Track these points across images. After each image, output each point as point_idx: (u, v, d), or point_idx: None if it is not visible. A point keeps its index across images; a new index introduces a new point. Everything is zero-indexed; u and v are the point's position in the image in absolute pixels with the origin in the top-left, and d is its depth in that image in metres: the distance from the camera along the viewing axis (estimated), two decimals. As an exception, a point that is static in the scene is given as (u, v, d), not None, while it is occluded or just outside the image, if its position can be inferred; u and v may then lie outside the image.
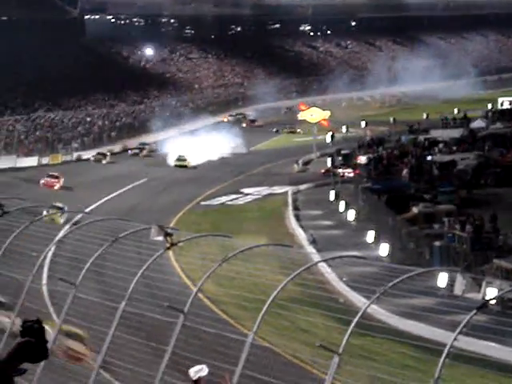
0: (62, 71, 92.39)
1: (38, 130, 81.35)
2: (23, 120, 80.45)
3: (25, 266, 23.51)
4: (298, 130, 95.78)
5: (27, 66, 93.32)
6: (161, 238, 20.79)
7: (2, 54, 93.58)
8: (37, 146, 78.17)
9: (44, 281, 26.57)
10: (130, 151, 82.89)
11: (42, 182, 58.33)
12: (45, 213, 29.84)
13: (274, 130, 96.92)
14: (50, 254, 24.94)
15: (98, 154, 78.77)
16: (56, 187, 48.34)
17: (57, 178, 58.68)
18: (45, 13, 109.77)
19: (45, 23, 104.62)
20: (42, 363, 20.65)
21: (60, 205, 49.02)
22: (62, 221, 38.23)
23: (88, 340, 23.16)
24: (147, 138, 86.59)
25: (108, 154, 78.86)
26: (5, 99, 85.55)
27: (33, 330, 5.03)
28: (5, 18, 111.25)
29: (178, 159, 74.81)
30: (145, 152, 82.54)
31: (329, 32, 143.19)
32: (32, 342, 4.78)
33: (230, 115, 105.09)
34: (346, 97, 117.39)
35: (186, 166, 73.66)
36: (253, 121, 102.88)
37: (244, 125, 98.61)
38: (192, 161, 75.17)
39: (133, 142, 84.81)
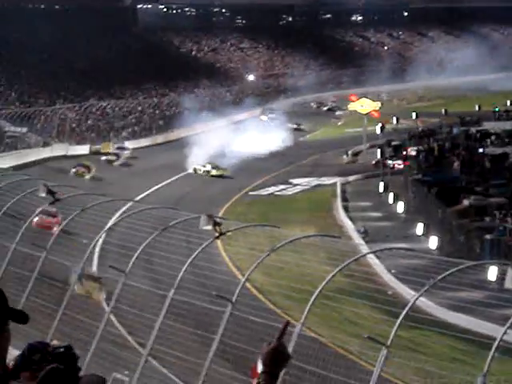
0: (114, 60, 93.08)
1: (89, 118, 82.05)
2: (75, 108, 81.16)
3: (76, 253, 23.79)
4: (302, 127, 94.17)
5: (79, 55, 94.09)
6: (210, 228, 20.89)
7: (54, 43, 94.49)
8: (89, 135, 78.85)
9: (94, 268, 26.86)
10: (103, 157, 70.20)
11: (35, 220, 33.40)
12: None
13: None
14: (100, 242, 25.22)
15: (81, 165, 64.56)
16: (54, 229, 28.00)
17: (54, 216, 38.58)
18: (97, 2, 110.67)
19: (97, 12, 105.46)
20: (92, 350, 20.89)
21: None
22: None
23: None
24: (196, 128, 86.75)
25: (93, 168, 64.27)
26: (57, 87, 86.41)
27: (63, 356, 4.97)
28: (58, 7, 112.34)
29: (214, 167, 65.27)
30: (121, 160, 69.76)
31: (381, 22, 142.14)
32: (61, 369, 4.66)
33: (269, 112, 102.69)
34: (397, 88, 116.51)
35: (222, 176, 65.28)
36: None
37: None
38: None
39: (180, 132, 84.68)
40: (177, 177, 64.30)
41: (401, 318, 17.44)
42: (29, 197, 26.52)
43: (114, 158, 69.60)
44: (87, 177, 62.60)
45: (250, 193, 60.33)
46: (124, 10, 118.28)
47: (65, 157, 71.13)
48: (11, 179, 29.33)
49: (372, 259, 33.31)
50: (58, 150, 72.04)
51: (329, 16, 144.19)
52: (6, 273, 24.53)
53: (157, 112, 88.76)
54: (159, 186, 60.35)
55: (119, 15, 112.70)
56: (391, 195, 53.56)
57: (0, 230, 25.99)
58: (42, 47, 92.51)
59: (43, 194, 25.12)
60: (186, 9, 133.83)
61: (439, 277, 17.72)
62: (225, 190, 59.08)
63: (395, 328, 17.32)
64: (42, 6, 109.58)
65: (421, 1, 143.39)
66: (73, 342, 21.20)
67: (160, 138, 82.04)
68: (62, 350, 5.06)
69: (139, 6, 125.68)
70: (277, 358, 4.15)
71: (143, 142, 79.53)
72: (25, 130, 69.94)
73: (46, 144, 71.56)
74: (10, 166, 46.35)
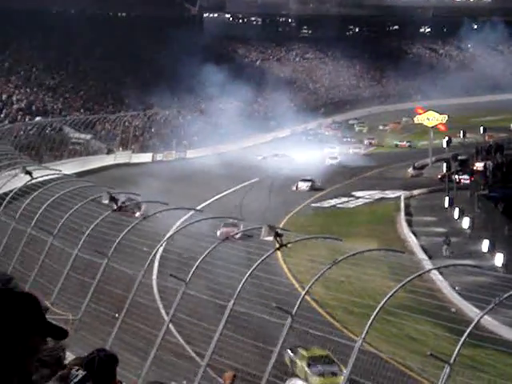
0: (178, 68, 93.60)
1: (153, 126, 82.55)
2: (139, 116, 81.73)
3: (136, 260, 23.80)
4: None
5: (144, 63, 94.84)
6: (271, 239, 20.70)
7: (119, 50, 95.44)
8: (152, 143, 79.32)
9: (154, 276, 26.84)
10: None
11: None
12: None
13: None
14: (161, 250, 25.20)
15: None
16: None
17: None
18: (164, 10, 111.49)
19: (163, 20, 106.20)
20: (150, 358, 20.81)
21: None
22: None
23: None
24: (262, 138, 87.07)
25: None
26: (121, 95, 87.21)
27: (95, 362, 4.79)
28: (124, 15, 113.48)
29: None
30: None
31: (449, 34, 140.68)
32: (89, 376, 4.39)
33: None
34: (465, 101, 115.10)
35: None
36: None
37: None
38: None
39: (242, 142, 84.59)
40: (239, 186, 64.26)
41: (465, 335, 17.06)
42: (92, 203, 26.65)
43: None
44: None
45: (312, 204, 59.98)
46: (190, 19, 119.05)
47: (127, 164, 71.69)
48: (75, 186, 29.55)
49: (435, 275, 32.72)
50: (121, 157, 72.63)
51: (396, 27, 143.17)
52: (67, 279, 24.66)
53: (220, 121, 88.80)
54: (222, 194, 60.37)
55: (185, 24, 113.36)
56: (456, 210, 52.72)
57: (63, 236, 26.18)
58: (107, 54, 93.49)
59: (106, 201, 25.23)
60: (252, 18, 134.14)
61: (505, 295, 17.29)
62: (287, 201, 58.87)
63: (459, 346, 16.94)
64: (110, 13, 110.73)
65: (491, 13, 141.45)
66: (132, 350, 21.13)
67: (222, 148, 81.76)
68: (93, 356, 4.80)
69: (205, 15, 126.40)
70: None
71: (203, 152, 79.60)
72: (89, 136, 70.58)
73: (109, 151, 72.15)
74: (74, 173, 46.75)
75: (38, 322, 2.65)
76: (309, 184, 64.55)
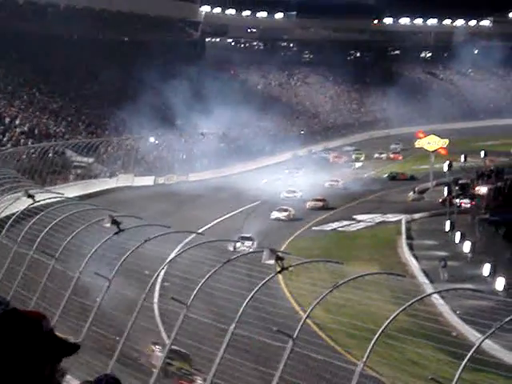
0: (180, 93, 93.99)
1: (154, 150, 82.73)
2: (142, 139, 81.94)
3: (138, 284, 23.84)
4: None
5: (146, 87, 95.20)
6: (272, 262, 20.76)
7: (122, 74, 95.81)
8: (154, 166, 79.48)
9: (155, 299, 26.86)
10: None
11: None
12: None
13: None
14: (162, 273, 25.23)
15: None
16: None
17: None
18: (166, 35, 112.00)
19: (165, 45, 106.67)
20: (152, 382, 20.81)
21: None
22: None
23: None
24: (263, 162, 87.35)
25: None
26: (123, 118, 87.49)
27: None
28: (126, 39, 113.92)
29: None
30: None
31: (450, 59, 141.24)
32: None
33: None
34: (466, 125, 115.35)
35: None
36: None
37: None
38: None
39: (243, 166, 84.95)
40: (240, 210, 64.28)
41: (466, 360, 17.09)
42: (94, 226, 26.72)
43: None
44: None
45: (314, 228, 60.03)
46: (192, 43, 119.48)
47: (129, 188, 71.82)
48: (77, 209, 29.63)
49: (437, 299, 32.72)
50: (123, 180, 72.78)
51: (397, 52, 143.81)
52: (69, 302, 24.69)
53: (222, 145, 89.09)
54: (224, 217, 60.43)
55: (187, 48, 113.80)
56: (457, 234, 52.77)
57: (65, 260, 26.23)
58: (110, 78, 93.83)
59: (108, 225, 25.27)
60: (254, 43, 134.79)
61: (506, 319, 17.34)
62: (287, 225, 58.92)
63: (460, 370, 16.97)
64: (113, 38, 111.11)
65: (492, 38, 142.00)
66: (133, 373, 21.17)
67: (224, 171, 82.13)
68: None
69: (207, 40, 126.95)
70: None
71: (205, 175, 79.81)
72: (91, 160, 70.72)
73: (111, 174, 72.32)
74: (76, 196, 46.93)
75: (50, 339, 2.70)
76: (250, 243, 48.40)
